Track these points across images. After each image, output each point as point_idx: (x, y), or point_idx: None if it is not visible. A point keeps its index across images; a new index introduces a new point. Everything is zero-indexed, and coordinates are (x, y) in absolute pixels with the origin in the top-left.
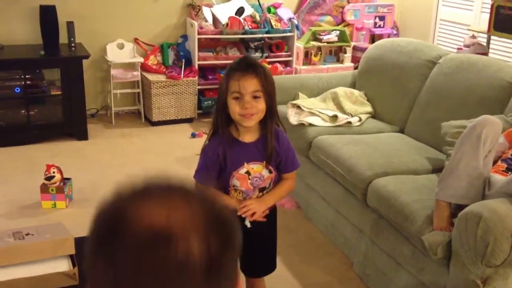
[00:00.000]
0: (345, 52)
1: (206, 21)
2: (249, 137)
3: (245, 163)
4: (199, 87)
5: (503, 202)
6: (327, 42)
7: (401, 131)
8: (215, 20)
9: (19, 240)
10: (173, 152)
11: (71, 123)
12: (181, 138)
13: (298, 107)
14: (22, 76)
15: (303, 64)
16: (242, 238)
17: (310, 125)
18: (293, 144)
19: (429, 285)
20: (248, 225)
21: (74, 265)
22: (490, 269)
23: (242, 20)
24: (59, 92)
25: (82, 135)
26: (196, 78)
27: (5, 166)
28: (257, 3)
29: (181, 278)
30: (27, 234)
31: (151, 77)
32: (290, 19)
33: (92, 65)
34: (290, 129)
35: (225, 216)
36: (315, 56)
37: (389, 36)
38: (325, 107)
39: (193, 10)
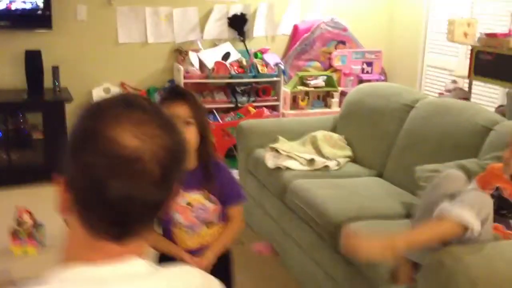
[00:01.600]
0: (332, 97)
1: (193, 65)
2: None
3: (183, 192)
4: None
5: (465, 247)
6: (314, 87)
7: (380, 175)
8: (202, 65)
9: None
10: None
11: (53, 167)
12: None
13: (276, 150)
14: (4, 120)
15: (291, 109)
16: None
17: (288, 168)
18: (269, 188)
19: None
20: None
21: None
22: None
23: (228, 65)
24: (42, 136)
25: None
26: None
27: None
28: (244, 48)
29: (141, 183)
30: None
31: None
32: (276, 64)
33: (78, 109)
34: (267, 173)
35: (181, 143)
36: (302, 101)
37: (376, 81)
38: (303, 150)
39: (180, 55)
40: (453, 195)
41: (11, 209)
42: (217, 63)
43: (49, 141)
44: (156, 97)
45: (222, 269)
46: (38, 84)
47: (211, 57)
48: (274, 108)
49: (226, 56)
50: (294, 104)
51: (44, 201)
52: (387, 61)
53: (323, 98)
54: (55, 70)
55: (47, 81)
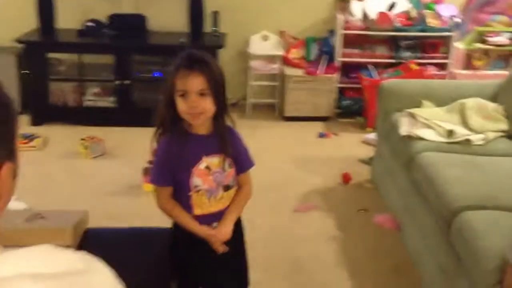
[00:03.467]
0: None
1: (353, 15)
2: (203, 130)
3: (203, 156)
4: (339, 85)
5: None
6: (496, 45)
7: None
8: (365, 15)
9: (26, 223)
10: (291, 150)
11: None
12: (308, 137)
13: (414, 116)
14: (164, 62)
15: (463, 68)
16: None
17: (420, 138)
18: (399, 157)
19: None
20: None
21: None
22: None
23: (393, 16)
24: None
25: None
26: (335, 75)
27: (131, 146)
28: None
29: None
30: (40, 217)
31: (289, 71)
32: (451, 17)
33: (236, 56)
34: (399, 140)
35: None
36: (478, 60)
37: None
38: (447, 119)
39: (343, 2)
40: None
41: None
42: (380, 13)
43: None
44: (312, 48)
45: (235, 238)
46: (198, 28)
47: (375, 6)
48: (442, 67)
49: (392, 6)
50: (468, 63)
51: None
52: None
53: (506, 59)
54: (215, 15)
55: (209, 26)
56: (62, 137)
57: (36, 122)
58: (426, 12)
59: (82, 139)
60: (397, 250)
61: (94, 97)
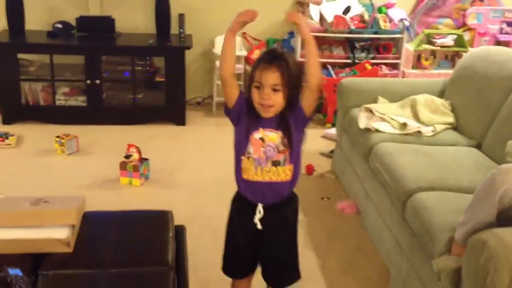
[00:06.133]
0: (461, 58)
1: (312, 19)
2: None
3: (260, 127)
4: None
5: None
6: (442, 46)
7: (479, 146)
8: (322, 18)
9: (33, 206)
10: None
11: (171, 109)
12: None
13: (371, 111)
14: (132, 62)
15: (413, 68)
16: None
17: (377, 131)
18: (358, 149)
19: None
20: (258, 225)
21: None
22: None
23: (348, 19)
24: (163, 79)
25: (180, 121)
26: None
27: (104, 143)
28: (369, 2)
29: None
30: (44, 202)
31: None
32: (401, 20)
33: (201, 56)
34: (358, 133)
35: None
36: (426, 60)
37: None
38: (400, 113)
39: (301, 7)
40: None
41: (124, 143)
42: (336, 17)
43: (170, 84)
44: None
45: (288, 224)
46: (165, 30)
47: (331, 10)
48: (394, 67)
49: (347, 10)
50: (417, 63)
51: (157, 139)
52: None
53: (452, 59)
54: (181, 17)
55: (174, 28)
56: (35, 135)
57: (7, 121)
58: (379, 15)
59: (57, 137)
60: (358, 232)
61: (65, 97)
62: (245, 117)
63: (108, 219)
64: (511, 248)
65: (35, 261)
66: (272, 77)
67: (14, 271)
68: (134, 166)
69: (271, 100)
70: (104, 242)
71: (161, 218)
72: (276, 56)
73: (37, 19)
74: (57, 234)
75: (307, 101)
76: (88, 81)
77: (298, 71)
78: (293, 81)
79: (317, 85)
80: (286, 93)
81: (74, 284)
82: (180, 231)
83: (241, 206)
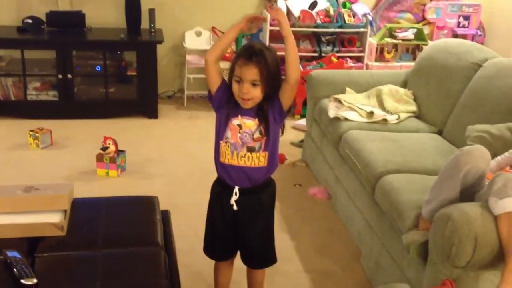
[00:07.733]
0: (421, 51)
1: None
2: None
3: (239, 115)
4: None
5: (477, 205)
6: (403, 40)
7: (440, 132)
8: (289, 13)
9: (25, 193)
10: None
11: (144, 102)
12: None
13: (339, 101)
14: (104, 56)
15: (376, 61)
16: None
17: (346, 119)
18: (328, 137)
19: (413, 282)
20: (234, 206)
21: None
22: (458, 270)
23: (314, 14)
24: (135, 73)
25: (153, 114)
26: None
27: (77, 136)
28: None
29: None
30: (35, 189)
31: (222, 64)
32: (364, 15)
33: (172, 50)
34: (328, 122)
35: None
36: (388, 53)
37: (473, 37)
38: (366, 103)
39: (269, 2)
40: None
41: (99, 136)
42: (303, 11)
43: (141, 78)
44: (243, 43)
45: (265, 206)
46: (136, 25)
47: (298, 5)
48: (358, 59)
49: (313, 5)
50: (380, 56)
51: (130, 132)
52: (487, 15)
53: (412, 52)
54: (152, 12)
55: (145, 23)
56: (7, 130)
57: None
58: (343, 10)
59: (31, 131)
60: (330, 215)
61: (37, 91)
62: (226, 105)
63: (97, 204)
64: (474, 221)
65: (30, 245)
66: (251, 73)
67: (12, 254)
68: (111, 158)
69: (249, 94)
70: (95, 225)
71: (148, 202)
72: (255, 52)
73: (6, 14)
74: (51, 219)
75: (285, 95)
76: (60, 76)
77: (276, 67)
78: (272, 76)
79: (296, 79)
80: (265, 88)
81: (70, 264)
82: (165, 215)
83: (220, 189)
